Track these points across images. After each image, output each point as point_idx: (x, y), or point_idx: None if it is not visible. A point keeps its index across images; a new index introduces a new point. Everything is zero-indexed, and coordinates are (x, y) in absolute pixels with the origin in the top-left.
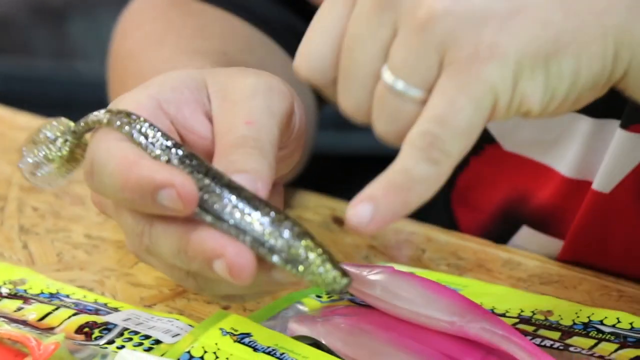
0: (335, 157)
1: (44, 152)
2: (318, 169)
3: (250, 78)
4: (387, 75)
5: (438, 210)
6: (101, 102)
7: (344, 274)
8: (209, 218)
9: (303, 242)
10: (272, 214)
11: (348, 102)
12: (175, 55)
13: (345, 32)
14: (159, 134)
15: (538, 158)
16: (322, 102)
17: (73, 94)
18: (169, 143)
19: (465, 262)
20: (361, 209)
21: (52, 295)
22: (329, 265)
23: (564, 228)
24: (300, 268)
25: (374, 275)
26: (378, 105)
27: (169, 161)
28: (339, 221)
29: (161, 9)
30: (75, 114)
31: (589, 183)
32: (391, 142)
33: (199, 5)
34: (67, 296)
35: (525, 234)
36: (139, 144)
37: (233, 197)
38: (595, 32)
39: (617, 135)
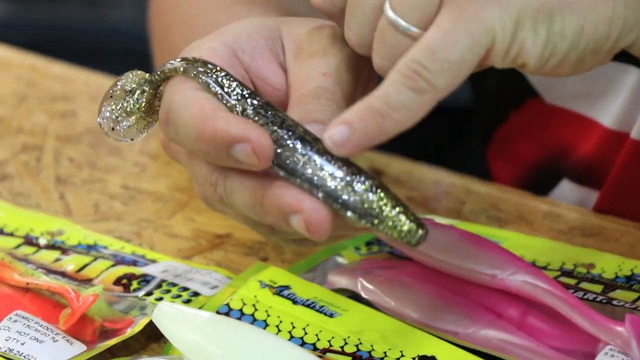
0: None
1: (121, 105)
2: None
3: (326, 30)
4: (389, 11)
5: (473, 164)
6: (131, 50)
7: (420, 225)
8: (282, 172)
9: (377, 196)
10: (345, 167)
11: (352, 33)
12: (230, 4)
13: None
14: (234, 83)
15: (581, 110)
16: None
17: (103, 43)
18: (245, 93)
19: (505, 214)
20: (337, 130)
21: (89, 247)
22: (403, 218)
23: (605, 180)
24: (375, 222)
25: None
26: (378, 39)
27: (244, 111)
28: (378, 172)
29: None
30: (106, 63)
31: (628, 134)
32: (385, 76)
33: None
34: (105, 247)
35: (565, 188)
36: (215, 94)
37: (307, 150)
38: None
39: None
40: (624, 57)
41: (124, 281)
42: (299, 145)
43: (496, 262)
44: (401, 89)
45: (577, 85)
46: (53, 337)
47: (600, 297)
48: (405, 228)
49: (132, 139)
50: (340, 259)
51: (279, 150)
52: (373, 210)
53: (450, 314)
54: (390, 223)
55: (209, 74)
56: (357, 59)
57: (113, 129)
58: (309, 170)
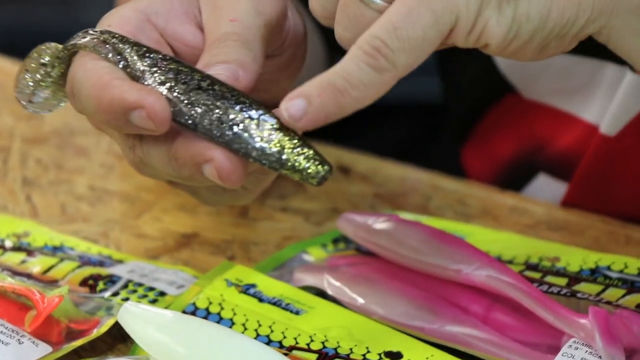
0: None
1: (37, 78)
2: None
3: None
4: None
5: (445, 160)
6: None
7: (322, 163)
8: (187, 127)
9: (277, 138)
10: (246, 109)
11: (316, 3)
12: None
13: None
14: (134, 48)
15: (560, 105)
16: (334, 51)
17: None
18: (141, 52)
19: (472, 209)
20: (295, 103)
21: (55, 248)
22: (306, 157)
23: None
24: (277, 165)
25: (379, 224)
26: (341, 10)
27: (143, 72)
28: (345, 170)
29: None
30: None
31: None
32: (346, 48)
33: None
34: (71, 248)
35: (541, 182)
36: (115, 62)
37: (204, 99)
38: None
39: (627, 77)
40: (600, 53)
41: (90, 282)
42: (195, 97)
43: (460, 257)
44: (361, 66)
45: (554, 81)
46: (19, 339)
47: (564, 290)
48: (308, 170)
49: (49, 110)
50: (307, 257)
51: (177, 108)
52: (272, 155)
53: (416, 310)
54: (290, 166)
55: (107, 43)
56: (273, 4)
57: (29, 101)
58: (207, 121)
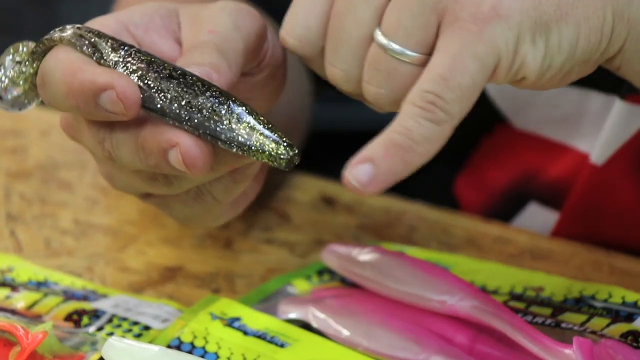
0: (329, 133)
1: (10, 74)
2: (311, 145)
3: (219, 2)
4: (381, 37)
5: (438, 190)
6: None
7: (289, 146)
8: (155, 114)
9: (244, 123)
10: (213, 97)
11: (337, 69)
12: None
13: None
14: (109, 41)
15: (551, 135)
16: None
17: None
18: (115, 45)
19: (456, 239)
20: (361, 169)
21: (40, 283)
22: (275, 140)
23: None
24: (245, 148)
25: (363, 256)
26: (371, 68)
27: (116, 63)
28: (329, 201)
29: None
30: None
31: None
32: (383, 106)
33: None
34: (56, 283)
35: (532, 211)
36: (90, 55)
37: (174, 86)
38: (595, 3)
39: (615, 106)
40: (586, 82)
41: (75, 317)
42: (165, 84)
43: (444, 288)
44: (420, 121)
45: (543, 111)
46: None
47: (549, 321)
48: (275, 152)
49: (19, 109)
50: (291, 289)
51: (147, 94)
52: (241, 137)
53: (401, 341)
54: (259, 148)
55: (83, 37)
56: (252, 21)
57: (1, 98)
58: (175, 105)
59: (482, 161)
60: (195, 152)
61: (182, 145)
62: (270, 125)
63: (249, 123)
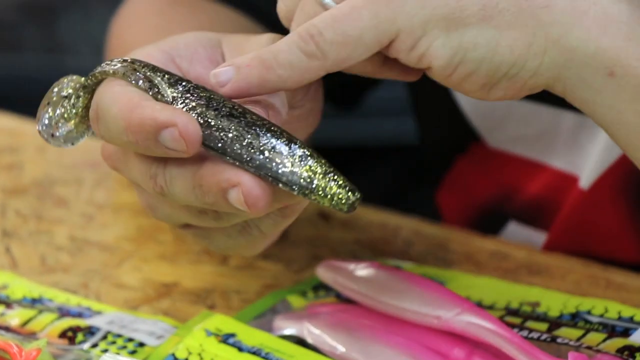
0: (324, 148)
1: (59, 111)
2: None
3: (265, 35)
4: None
5: (426, 204)
6: None
7: (351, 191)
8: (215, 152)
9: (306, 165)
10: (275, 138)
11: (281, 3)
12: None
13: None
14: (162, 74)
15: (525, 153)
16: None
17: None
18: (172, 80)
19: (453, 254)
20: (223, 70)
21: (34, 300)
22: (334, 186)
23: (552, 221)
24: (307, 191)
25: (359, 272)
26: (299, 8)
27: (173, 99)
28: (325, 216)
29: (165, 3)
30: None
31: (577, 177)
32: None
33: (205, 2)
34: (50, 300)
35: (513, 230)
36: (145, 89)
37: (235, 126)
38: (525, 19)
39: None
40: (558, 101)
41: (69, 334)
42: (226, 123)
43: (441, 304)
44: (292, 47)
45: (516, 129)
46: None
47: (545, 336)
48: (338, 196)
49: (72, 144)
50: (287, 305)
51: (207, 132)
52: (303, 180)
53: (397, 357)
54: (321, 192)
55: (137, 71)
56: None
57: (52, 135)
58: (237, 145)
59: (459, 179)
60: (257, 192)
61: (244, 186)
62: (332, 169)
63: (310, 166)
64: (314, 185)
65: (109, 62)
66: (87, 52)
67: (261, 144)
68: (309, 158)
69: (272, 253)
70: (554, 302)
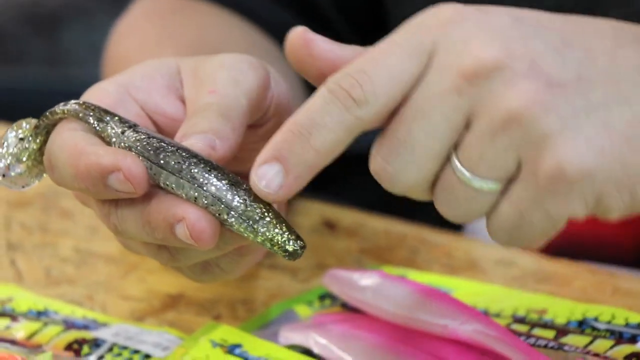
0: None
1: (13, 152)
2: None
3: (219, 56)
4: (461, 168)
5: (430, 214)
6: None
7: (298, 237)
8: (167, 189)
9: (251, 208)
10: (224, 179)
11: (390, 167)
12: (157, 45)
13: (408, 94)
14: (113, 118)
15: None
16: None
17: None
18: (124, 126)
19: (459, 261)
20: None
21: (40, 313)
22: (284, 227)
23: None
24: (253, 229)
25: (364, 280)
26: (446, 193)
27: (123, 143)
28: (331, 225)
29: (160, 14)
30: None
31: None
32: (457, 222)
33: (201, 7)
34: (56, 312)
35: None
36: (96, 132)
37: (184, 166)
38: None
39: None
40: None
41: (75, 346)
42: (172, 161)
43: (447, 312)
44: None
45: None
46: None
47: (552, 343)
48: (281, 243)
49: (23, 187)
50: (293, 315)
51: (155, 173)
52: (250, 219)
53: None
54: (267, 233)
55: (88, 114)
56: (253, 75)
57: (4, 175)
58: (187, 187)
59: None
60: (201, 225)
61: (189, 220)
62: (278, 216)
63: (258, 208)
64: (258, 228)
65: (59, 105)
66: (90, 63)
67: (205, 190)
68: (254, 203)
69: (278, 263)
70: (561, 309)
